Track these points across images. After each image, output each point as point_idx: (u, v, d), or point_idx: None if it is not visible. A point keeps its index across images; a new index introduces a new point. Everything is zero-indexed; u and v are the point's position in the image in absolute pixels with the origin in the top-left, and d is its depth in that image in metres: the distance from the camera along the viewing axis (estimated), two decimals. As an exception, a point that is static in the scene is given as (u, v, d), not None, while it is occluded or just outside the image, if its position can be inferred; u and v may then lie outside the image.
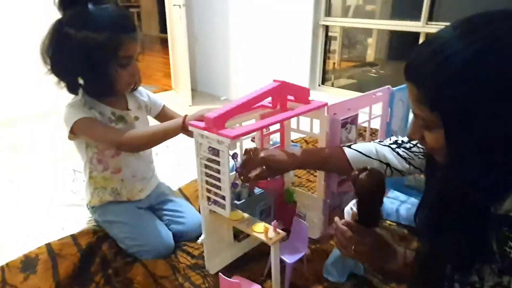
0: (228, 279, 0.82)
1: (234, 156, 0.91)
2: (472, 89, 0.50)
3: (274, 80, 0.93)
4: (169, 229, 1.13)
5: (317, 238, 1.11)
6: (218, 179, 0.84)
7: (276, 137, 1.18)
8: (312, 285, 0.94)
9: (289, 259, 0.91)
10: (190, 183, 1.43)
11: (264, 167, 0.91)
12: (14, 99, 2.72)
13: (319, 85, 2.92)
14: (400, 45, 3.12)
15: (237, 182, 0.94)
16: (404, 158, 0.93)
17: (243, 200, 0.99)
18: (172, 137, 0.95)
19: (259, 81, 1.06)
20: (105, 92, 1.00)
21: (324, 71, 2.93)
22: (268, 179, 1.06)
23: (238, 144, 1.02)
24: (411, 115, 0.63)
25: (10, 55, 2.61)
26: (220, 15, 3.23)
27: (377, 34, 3.29)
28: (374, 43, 3.41)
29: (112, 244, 1.08)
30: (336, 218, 0.81)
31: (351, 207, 0.82)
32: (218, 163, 0.82)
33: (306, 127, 1.07)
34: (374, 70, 3.42)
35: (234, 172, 0.94)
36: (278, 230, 0.83)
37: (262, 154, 0.90)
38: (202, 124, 0.81)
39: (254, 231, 0.84)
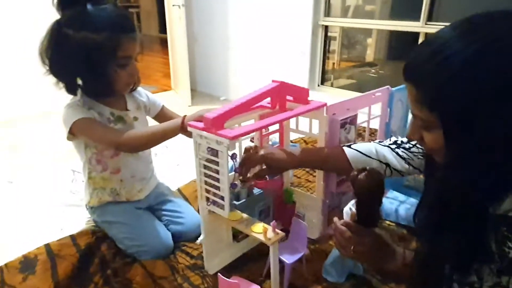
0: (227, 279, 0.82)
1: (233, 156, 0.91)
2: (472, 89, 0.50)
3: (273, 81, 0.93)
4: (168, 229, 1.13)
5: (316, 238, 1.10)
6: (217, 180, 0.84)
7: (275, 138, 1.18)
8: (311, 285, 0.94)
9: (288, 259, 0.91)
10: (189, 184, 1.43)
11: (263, 166, 0.91)
12: (14, 99, 2.72)
13: (318, 85, 2.92)
14: (399, 45, 3.12)
15: (236, 182, 0.93)
16: (404, 158, 0.93)
17: (242, 201, 0.99)
18: (171, 137, 0.95)
19: (258, 81, 1.06)
20: (104, 92, 1.00)
21: (324, 71, 2.93)
22: (267, 178, 1.06)
23: (237, 144, 1.02)
24: (410, 116, 0.63)
25: (10, 55, 2.61)
26: (220, 16, 3.23)
27: (377, 34, 3.29)
28: (373, 43, 3.41)
29: (111, 244, 1.08)
30: (335, 219, 0.81)
31: (350, 208, 0.82)
32: (217, 163, 0.82)
33: (305, 128, 1.07)
34: (373, 70, 3.42)
35: (233, 173, 0.94)
36: (277, 230, 0.83)
37: (261, 152, 0.90)
38: (201, 124, 0.81)
39: (253, 232, 0.84)
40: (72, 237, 1.09)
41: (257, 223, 0.87)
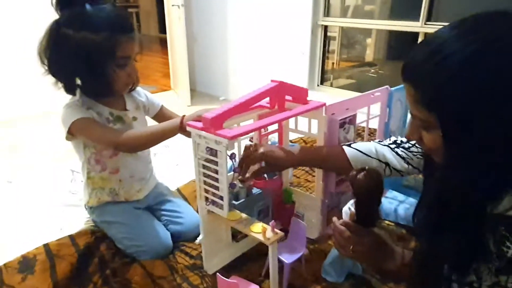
0: (226, 279, 0.82)
1: (232, 156, 0.91)
2: (470, 90, 0.50)
3: (272, 80, 0.93)
4: (167, 229, 1.13)
5: (316, 238, 1.11)
6: (216, 180, 0.84)
7: (274, 137, 1.18)
8: (310, 285, 0.94)
9: (287, 259, 0.91)
10: (188, 183, 1.43)
11: (262, 164, 0.91)
12: (14, 99, 2.72)
13: (318, 85, 2.92)
14: (399, 45, 3.12)
15: (235, 182, 0.93)
16: (403, 158, 0.93)
17: (241, 200, 0.99)
18: (170, 137, 0.95)
19: (258, 81, 1.06)
20: (103, 92, 1.00)
21: (323, 71, 2.92)
22: (266, 178, 1.06)
23: (236, 144, 1.02)
24: (409, 115, 0.63)
25: (10, 55, 2.61)
26: (219, 15, 3.23)
27: (376, 34, 3.29)
28: (373, 43, 3.41)
29: (110, 244, 1.08)
30: (334, 218, 0.81)
31: (349, 207, 0.83)
32: (216, 163, 0.82)
33: (304, 127, 1.07)
34: (373, 70, 3.42)
35: (232, 173, 0.94)
36: (276, 230, 0.83)
37: (261, 150, 0.90)
38: (199, 124, 0.81)
39: (252, 231, 0.84)
40: (71, 237, 1.09)
41: (256, 223, 0.87)
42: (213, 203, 0.89)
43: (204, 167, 0.86)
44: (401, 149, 0.94)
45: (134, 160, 1.10)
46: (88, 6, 0.91)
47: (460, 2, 2.29)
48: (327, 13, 2.73)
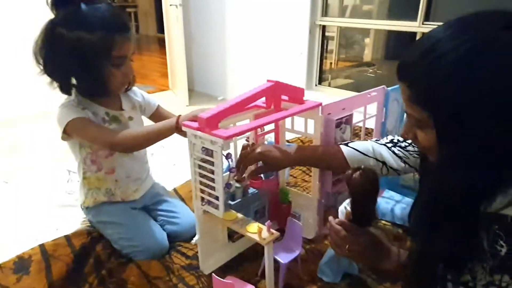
0: (222, 279, 0.82)
1: (228, 156, 0.91)
2: (464, 89, 0.50)
3: (268, 80, 0.92)
4: (163, 229, 1.12)
5: (312, 238, 1.10)
6: (212, 180, 0.84)
7: (270, 137, 1.18)
8: (306, 285, 0.93)
9: (283, 259, 0.91)
10: (185, 183, 1.43)
11: (260, 163, 0.91)
12: (14, 99, 2.72)
13: (316, 85, 2.92)
14: (397, 45, 3.12)
15: (231, 182, 0.93)
16: (400, 157, 0.93)
17: (238, 200, 0.98)
18: (166, 137, 0.95)
19: (256, 81, 1.06)
20: (98, 92, 0.99)
21: (321, 71, 2.93)
22: (263, 178, 1.06)
23: (232, 144, 1.02)
24: (405, 115, 0.64)
25: (10, 55, 2.60)
26: (217, 15, 3.22)
27: (374, 34, 3.29)
28: (371, 43, 3.42)
29: (106, 244, 1.08)
30: (330, 218, 0.81)
31: (345, 206, 0.82)
32: (211, 163, 0.82)
33: (300, 127, 1.07)
34: (371, 70, 3.42)
35: (228, 173, 0.94)
36: (271, 230, 0.82)
37: (259, 150, 0.90)
38: (195, 124, 0.81)
39: (248, 232, 0.84)
40: (67, 237, 1.09)
41: (252, 223, 0.86)
42: (209, 203, 0.89)
43: (200, 167, 0.86)
44: (397, 148, 0.94)
45: (130, 160, 1.10)
46: (83, 6, 0.91)
47: (458, 2, 2.30)
48: (325, 13, 2.74)
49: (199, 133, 0.80)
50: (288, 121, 1.09)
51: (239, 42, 3.17)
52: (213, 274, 0.84)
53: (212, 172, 0.83)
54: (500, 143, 0.50)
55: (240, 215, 0.90)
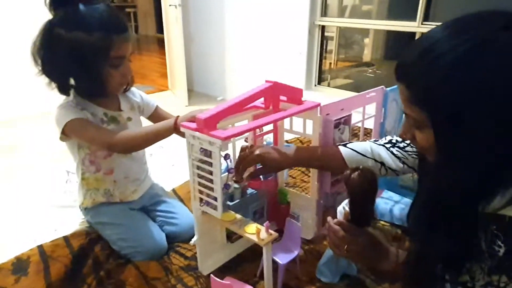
0: (220, 280, 0.82)
1: (226, 157, 0.91)
2: (461, 89, 0.50)
3: (266, 81, 0.92)
4: (162, 230, 1.12)
5: (311, 238, 1.10)
6: (210, 180, 0.84)
7: (269, 138, 1.17)
8: (305, 286, 0.93)
9: (282, 260, 0.91)
10: (184, 184, 1.43)
11: (259, 165, 0.91)
12: (14, 99, 2.72)
13: (315, 85, 2.92)
14: (396, 45, 3.12)
15: (229, 183, 0.93)
16: (398, 158, 0.93)
17: (236, 201, 0.98)
18: (164, 138, 0.95)
19: (255, 81, 1.06)
20: (96, 92, 0.99)
21: (321, 71, 2.92)
22: (262, 178, 1.06)
23: (230, 145, 1.01)
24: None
25: (10, 55, 2.60)
26: (216, 15, 3.22)
27: (374, 34, 3.29)
28: (370, 43, 3.42)
29: (105, 245, 1.08)
30: (329, 218, 0.81)
31: (343, 207, 0.82)
32: (210, 164, 0.82)
33: (299, 128, 1.07)
34: (370, 70, 3.42)
35: (227, 173, 0.94)
36: (270, 231, 0.82)
37: (257, 152, 0.90)
38: (193, 125, 0.81)
39: (246, 232, 0.84)
40: (66, 238, 1.09)
41: (251, 223, 0.86)
42: (207, 204, 0.88)
43: (198, 168, 0.86)
44: (396, 148, 0.94)
45: (129, 161, 1.10)
46: (81, 6, 0.90)
47: (457, 2, 2.30)
48: (324, 13, 2.74)
49: (197, 134, 0.80)
50: (286, 121, 1.09)
51: (239, 42, 3.17)
52: (211, 275, 0.84)
53: (211, 173, 0.83)
54: (500, 143, 0.49)
55: (238, 216, 0.89)
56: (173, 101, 3.30)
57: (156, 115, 1.17)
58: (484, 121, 0.49)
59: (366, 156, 0.94)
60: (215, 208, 0.86)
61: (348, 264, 0.95)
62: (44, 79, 0.95)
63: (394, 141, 0.96)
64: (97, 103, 1.02)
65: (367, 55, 3.43)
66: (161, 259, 1.04)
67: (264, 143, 1.18)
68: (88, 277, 0.97)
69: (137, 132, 0.99)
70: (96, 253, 1.05)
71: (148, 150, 1.15)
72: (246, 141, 1.11)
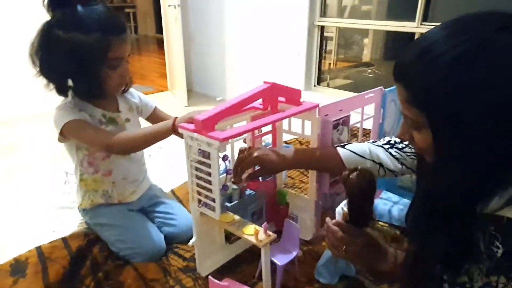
0: (218, 282, 0.81)
1: (225, 158, 0.91)
2: (460, 90, 0.50)
3: (265, 82, 0.92)
4: (160, 231, 1.12)
5: (310, 239, 1.10)
6: (209, 182, 0.84)
7: (268, 139, 1.17)
8: (304, 287, 0.93)
9: (280, 261, 0.91)
10: (183, 185, 1.43)
11: (257, 166, 0.91)
12: (14, 99, 2.72)
13: (314, 86, 2.92)
14: (396, 45, 3.12)
15: (227, 184, 0.93)
16: (397, 159, 0.93)
17: (235, 202, 0.98)
18: (162, 139, 0.95)
19: (254, 81, 1.06)
20: (95, 94, 0.99)
21: (320, 72, 2.92)
22: (260, 180, 1.06)
23: (229, 146, 1.01)
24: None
25: (10, 55, 2.60)
26: (216, 16, 3.22)
27: (373, 35, 3.29)
28: (370, 44, 3.42)
29: (103, 247, 1.07)
30: (327, 219, 0.81)
31: (342, 207, 0.82)
32: (208, 165, 0.82)
33: (298, 129, 1.07)
34: (370, 70, 3.42)
35: (225, 174, 0.93)
36: (268, 232, 0.82)
37: (256, 154, 0.90)
38: (191, 126, 0.81)
39: (245, 233, 0.83)
40: (64, 239, 1.09)
41: (249, 224, 0.86)
42: (206, 205, 0.88)
43: (197, 169, 0.85)
44: (394, 149, 0.94)
45: (127, 162, 1.10)
46: (79, 7, 0.90)
47: (456, 3, 2.30)
48: (323, 13, 2.73)
49: (195, 135, 0.80)
50: (285, 122, 1.08)
51: (238, 43, 3.17)
52: (209, 276, 0.84)
53: (209, 174, 0.83)
54: (499, 143, 0.49)
55: (237, 217, 0.89)
56: (173, 102, 3.30)
57: (154, 116, 1.17)
58: (483, 121, 0.49)
59: (365, 158, 0.94)
60: (213, 209, 0.86)
61: (347, 265, 0.95)
62: (42, 80, 0.95)
63: (392, 142, 0.95)
64: (95, 104, 1.02)
65: (366, 56, 3.43)
66: (160, 261, 1.04)
67: (263, 144, 1.18)
68: (86, 278, 0.97)
69: (135, 133, 0.99)
70: (94, 255, 1.04)
71: (147, 151, 1.14)
72: (245, 142, 1.10)
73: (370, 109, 1.18)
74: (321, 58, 2.88)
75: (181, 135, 0.86)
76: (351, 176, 0.75)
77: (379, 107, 1.19)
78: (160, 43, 4.93)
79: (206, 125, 0.78)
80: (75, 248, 1.05)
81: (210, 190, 0.84)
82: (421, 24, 2.24)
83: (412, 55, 0.54)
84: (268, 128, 1.07)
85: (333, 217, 0.82)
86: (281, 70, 2.92)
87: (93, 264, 1.01)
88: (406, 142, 0.93)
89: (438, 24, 0.54)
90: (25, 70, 0.94)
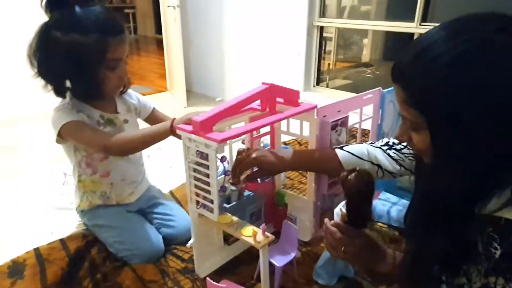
0: (215, 283, 0.81)
1: (223, 159, 0.91)
2: (458, 91, 0.49)
3: (263, 83, 0.92)
4: (159, 232, 1.12)
5: (308, 240, 1.10)
6: (207, 183, 0.83)
7: (267, 140, 1.17)
8: (302, 289, 0.93)
9: (279, 262, 0.91)
10: (181, 186, 1.42)
11: (256, 168, 0.91)
12: (14, 99, 2.72)
13: (314, 86, 2.92)
14: (395, 45, 3.12)
15: (226, 185, 0.93)
16: (395, 160, 0.93)
17: (233, 203, 0.98)
18: (160, 140, 0.95)
19: (254, 82, 1.06)
20: (93, 95, 0.99)
21: (319, 72, 2.92)
22: (259, 181, 1.06)
23: (227, 147, 1.01)
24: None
25: (10, 56, 2.60)
26: (215, 17, 3.22)
27: (373, 35, 3.29)
28: (369, 44, 3.42)
29: (101, 248, 1.07)
30: (326, 220, 0.81)
31: (340, 208, 0.82)
32: (206, 166, 0.82)
33: (296, 129, 1.07)
34: (369, 71, 3.42)
35: (223, 176, 0.93)
36: (266, 233, 0.82)
37: (254, 155, 0.90)
38: (189, 127, 0.81)
39: (243, 235, 0.83)
40: (62, 241, 1.08)
41: (247, 226, 0.86)
42: (204, 206, 0.88)
43: (195, 170, 0.85)
44: (393, 150, 0.94)
45: (126, 163, 1.09)
46: (77, 8, 0.90)
47: (455, 3, 2.30)
48: (323, 13, 2.73)
49: (193, 136, 0.80)
50: (283, 123, 1.08)
51: (237, 43, 3.17)
52: (207, 278, 0.84)
53: (207, 175, 0.82)
54: (499, 143, 0.49)
55: (235, 218, 0.89)
56: (172, 102, 3.30)
57: (152, 117, 1.16)
58: (483, 121, 0.49)
59: (363, 159, 0.93)
60: (211, 210, 0.86)
61: (345, 266, 0.95)
62: (41, 81, 0.95)
63: (390, 143, 0.95)
64: (94, 105, 1.02)
65: (365, 56, 3.43)
66: (158, 262, 1.04)
67: (261, 145, 1.17)
68: (85, 280, 0.97)
69: (133, 134, 0.99)
70: (92, 256, 1.04)
71: (145, 152, 1.14)
72: (243, 143, 1.10)
73: (368, 110, 1.18)
74: (320, 58, 2.88)
75: (179, 137, 0.86)
76: (349, 177, 0.75)
77: (377, 108, 1.19)
78: (159, 44, 4.92)
79: (204, 127, 0.78)
80: (73, 249, 1.05)
81: (208, 192, 0.84)
82: (420, 25, 2.24)
83: (410, 56, 0.54)
84: (267, 129, 1.07)
85: (331, 218, 0.82)
86: (280, 71, 2.92)
87: (91, 265, 1.01)
88: (404, 143, 0.92)
89: (437, 24, 0.54)
90: (25, 70, 0.94)
